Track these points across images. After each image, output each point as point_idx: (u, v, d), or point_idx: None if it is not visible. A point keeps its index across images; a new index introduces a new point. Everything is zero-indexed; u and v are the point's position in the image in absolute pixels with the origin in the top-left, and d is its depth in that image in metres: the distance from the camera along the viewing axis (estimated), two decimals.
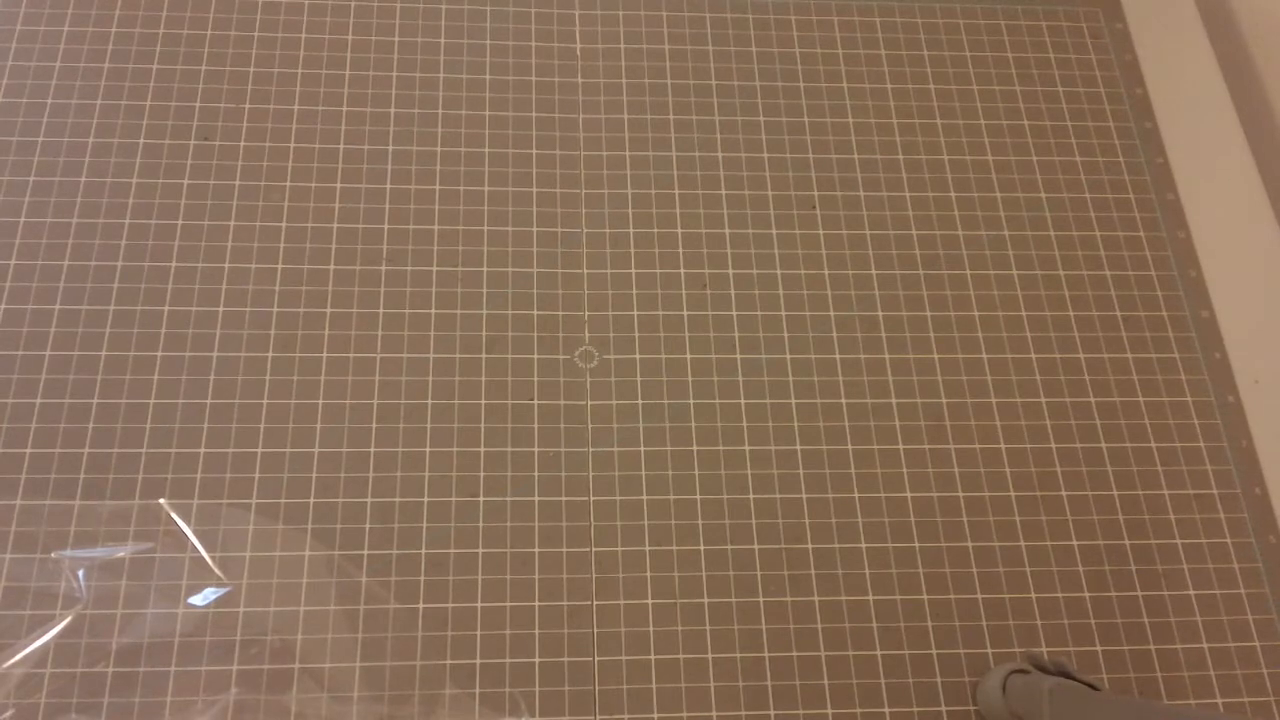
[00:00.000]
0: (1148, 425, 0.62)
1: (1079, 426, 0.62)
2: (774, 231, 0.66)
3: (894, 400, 0.61)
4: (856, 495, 0.59)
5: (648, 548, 0.57)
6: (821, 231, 0.66)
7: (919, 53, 0.72)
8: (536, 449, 0.59)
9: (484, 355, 0.61)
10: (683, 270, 0.64)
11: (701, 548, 0.57)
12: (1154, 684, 0.56)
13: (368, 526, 0.56)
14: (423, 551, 0.56)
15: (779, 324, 0.63)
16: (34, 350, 0.59)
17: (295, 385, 0.59)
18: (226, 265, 0.62)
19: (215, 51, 0.68)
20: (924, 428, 0.61)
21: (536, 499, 0.58)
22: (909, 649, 0.56)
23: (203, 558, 0.55)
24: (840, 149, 0.68)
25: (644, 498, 0.58)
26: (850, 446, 0.60)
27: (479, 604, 0.55)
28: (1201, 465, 0.61)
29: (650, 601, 0.56)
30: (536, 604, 0.55)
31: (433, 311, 0.62)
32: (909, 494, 0.59)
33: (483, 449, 0.59)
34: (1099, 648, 0.56)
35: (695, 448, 0.59)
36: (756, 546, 0.57)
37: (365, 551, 0.56)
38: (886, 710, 0.54)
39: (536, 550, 0.57)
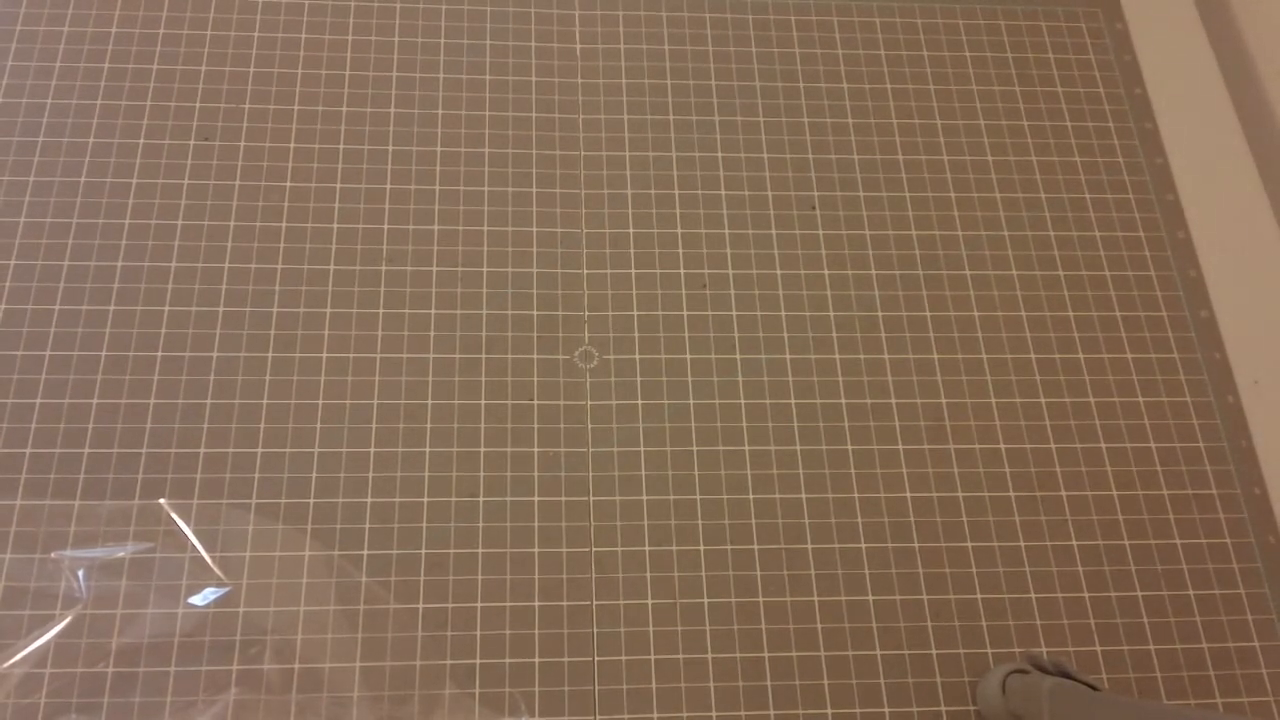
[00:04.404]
0: (1147, 425, 0.62)
1: (1078, 427, 0.62)
2: (774, 231, 0.66)
3: (894, 400, 0.61)
4: (856, 495, 0.59)
5: (647, 548, 0.57)
6: (821, 231, 0.66)
7: (919, 53, 0.72)
8: (536, 449, 0.59)
9: (484, 355, 0.61)
10: (683, 270, 0.64)
11: (701, 548, 0.57)
12: (1153, 684, 0.56)
13: (367, 526, 0.56)
14: (422, 551, 0.56)
15: (779, 324, 0.63)
16: (34, 350, 0.59)
17: (295, 385, 0.59)
18: (226, 265, 0.62)
19: (215, 51, 0.68)
20: (924, 428, 0.61)
21: (536, 499, 0.58)
22: (908, 649, 0.56)
23: (203, 558, 0.55)
24: (840, 149, 0.69)
25: (644, 498, 0.58)
26: (850, 446, 0.60)
27: (479, 604, 0.55)
28: (1201, 465, 0.61)
29: (650, 601, 0.56)
30: (536, 604, 0.55)
31: (432, 311, 0.62)
32: (909, 494, 0.59)
33: (482, 449, 0.59)
34: (1098, 648, 0.56)
35: (695, 448, 0.59)
36: (756, 547, 0.57)
37: (365, 552, 0.56)
38: (886, 710, 0.54)
39: (536, 550, 0.57)
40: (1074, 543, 0.59)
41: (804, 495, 0.59)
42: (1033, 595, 0.57)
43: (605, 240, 0.65)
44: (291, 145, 0.65)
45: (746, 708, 0.54)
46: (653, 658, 0.55)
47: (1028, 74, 0.72)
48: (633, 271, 0.64)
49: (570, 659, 0.54)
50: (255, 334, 0.60)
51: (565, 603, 0.55)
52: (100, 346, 0.59)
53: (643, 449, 0.59)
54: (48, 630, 0.52)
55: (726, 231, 0.65)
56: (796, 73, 0.71)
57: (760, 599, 0.56)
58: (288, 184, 0.64)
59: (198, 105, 0.66)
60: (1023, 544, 0.58)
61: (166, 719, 0.51)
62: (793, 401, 0.61)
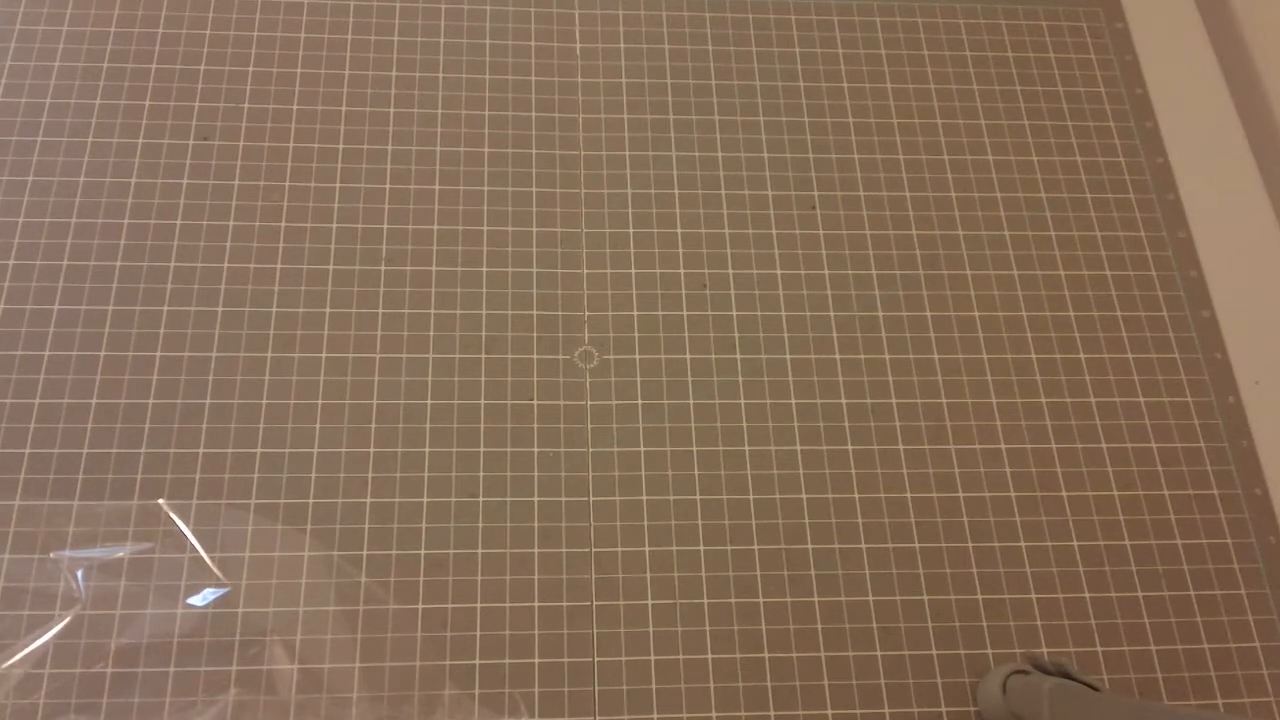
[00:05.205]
0: (1148, 426, 0.62)
1: (1079, 427, 0.62)
2: (774, 231, 0.66)
3: (894, 400, 0.61)
4: (856, 496, 0.59)
5: (647, 548, 0.57)
6: (821, 231, 0.66)
7: (919, 53, 0.72)
8: (536, 449, 0.59)
9: (483, 355, 0.61)
10: (683, 270, 0.64)
11: (701, 548, 0.57)
12: (1154, 685, 0.56)
13: (367, 527, 0.56)
14: (422, 552, 0.56)
15: (779, 324, 0.63)
16: (32, 350, 0.59)
17: (294, 385, 0.59)
18: (225, 265, 0.62)
19: (215, 51, 0.68)
20: (924, 428, 0.61)
21: (536, 499, 0.58)
22: (909, 650, 0.56)
23: (202, 558, 0.55)
24: (840, 149, 0.68)
25: (644, 498, 0.58)
26: (850, 447, 0.60)
27: (478, 604, 0.55)
28: (1202, 466, 0.61)
29: (650, 602, 0.56)
30: (536, 604, 0.55)
31: (432, 311, 0.62)
32: (909, 494, 0.59)
33: (482, 449, 0.59)
34: (1099, 648, 0.56)
35: (695, 448, 0.59)
36: (756, 547, 0.57)
37: (364, 552, 0.56)
38: (886, 711, 0.54)
39: (536, 551, 0.56)
40: (1075, 543, 0.59)
41: (804, 495, 0.59)
42: (1033, 596, 0.57)
43: (605, 240, 0.64)
44: (291, 145, 0.65)
45: (746, 708, 0.54)
46: (653, 658, 0.55)
47: (1028, 74, 0.72)
48: (633, 271, 0.64)
49: (570, 659, 0.54)
50: (254, 334, 0.60)
51: (565, 603, 0.55)
52: (99, 346, 0.59)
53: (643, 449, 0.59)
54: (47, 630, 0.52)
55: (726, 231, 0.65)
56: (796, 73, 0.71)
57: (760, 599, 0.56)
58: (287, 184, 0.64)
59: (197, 105, 0.66)
60: (1023, 544, 0.58)
61: (165, 719, 0.51)
62: (793, 401, 0.61)
